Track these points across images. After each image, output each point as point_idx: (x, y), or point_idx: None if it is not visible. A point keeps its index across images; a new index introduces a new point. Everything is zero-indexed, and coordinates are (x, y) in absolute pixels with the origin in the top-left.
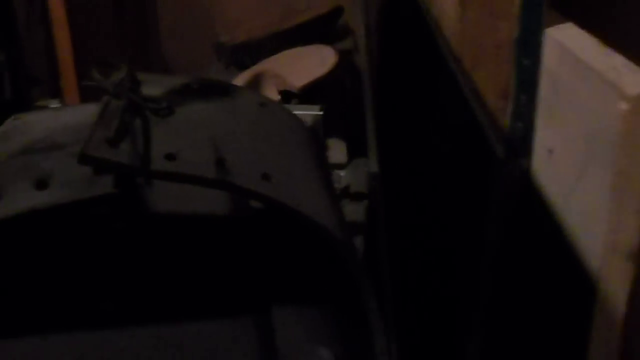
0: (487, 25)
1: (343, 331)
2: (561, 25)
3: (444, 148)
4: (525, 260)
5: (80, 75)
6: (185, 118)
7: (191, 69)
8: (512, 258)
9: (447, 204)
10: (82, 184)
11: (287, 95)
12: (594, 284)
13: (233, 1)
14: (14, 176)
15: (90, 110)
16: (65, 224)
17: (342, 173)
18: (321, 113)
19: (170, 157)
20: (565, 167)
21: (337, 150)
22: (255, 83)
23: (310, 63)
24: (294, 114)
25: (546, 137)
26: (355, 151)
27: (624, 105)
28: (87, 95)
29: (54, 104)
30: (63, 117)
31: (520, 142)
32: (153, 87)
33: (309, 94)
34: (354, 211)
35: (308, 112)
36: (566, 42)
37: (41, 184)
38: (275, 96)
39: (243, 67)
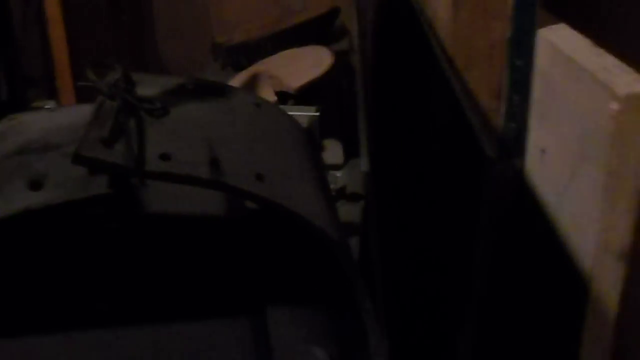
0: (480, 25)
1: (338, 331)
2: (554, 26)
3: (437, 148)
4: (518, 260)
5: (76, 75)
6: (179, 118)
7: (188, 69)
8: (505, 258)
9: (441, 204)
10: (77, 184)
11: (284, 96)
12: (587, 283)
13: (230, 2)
14: (8, 176)
15: (85, 111)
16: (59, 224)
17: (338, 174)
18: (317, 114)
19: (164, 157)
20: (557, 167)
21: (333, 151)
22: (252, 84)
23: (307, 64)
24: (289, 115)
25: (539, 137)
26: (352, 152)
27: (615, 106)
28: (82, 95)
29: (50, 104)
30: (58, 118)
31: (514, 142)
32: (148, 87)
33: (306, 94)
34: (349, 212)
35: (304, 113)
36: (558, 42)
37: (36, 185)
38: (271, 97)
39: (240, 67)
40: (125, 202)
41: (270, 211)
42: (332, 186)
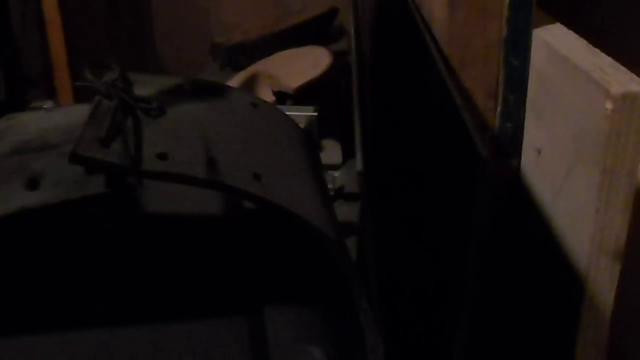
0: (476, 25)
1: (335, 331)
2: (549, 26)
3: (433, 148)
4: (514, 259)
5: (74, 76)
6: (177, 118)
7: (186, 69)
8: (500, 256)
9: (436, 203)
10: (74, 183)
11: (282, 96)
12: (582, 282)
13: (228, 2)
14: (5, 176)
15: (83, 111)
16: (56, 223)
17: (336, 174)
18: (315, 114)
19: (161, 157)
20: (553, 167)
21: (331, 151)
22: (250, 84)
23: (305, 64)
24: (287, 115)
25: (535, 137)
26: (350, 152)
27: (609, 105)
28: (81, 95)
29: (49, 104)
30: (55, 118)
31: (509, 142)
32: (145, 87)
33: (304, 94)
34: (347, 212)
35: (303, 113)
36: (554, 42)
37: (33, 184)
38: (270, 97)
39: (238, 68)
40: (122, 201)
41: (267, 211)
42: (330, 186)
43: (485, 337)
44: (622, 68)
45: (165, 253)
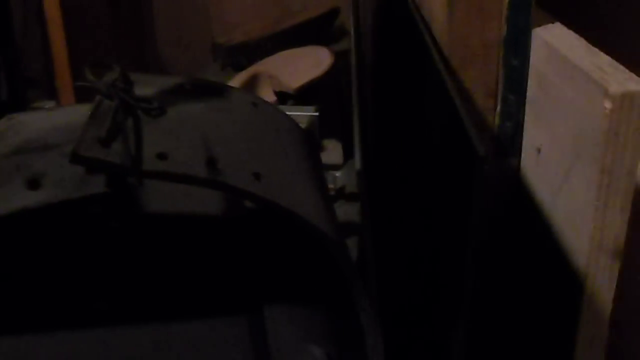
0: (476, 25)
1: (335, 330)
2: (549, 25)
3: (432, 147)
4: (513, 259)
5: (75, 76)
6: (177, 118)
7: (188, 69)
8: (500, 256)
9: (436, 203)
10: (74, 183)
11: (283, 96)
12: (581, 281)
13: (229, 2)
14: (7, 176)
15: (83, 111)
16: (57, 223)
17: (337, 174)
18: (317, 114)
19: (161, 156)
20: (553, 166)
21: (332, 151)
22: (251, 84)
23: (306, 64)
24: (287, 115)
25: (534, 136)
26: (351, 152)
27: (608, 104)
28: (82, 95)
29: (50, 105)
30: (56, 118)
31: (509, 142)
32: (146, 87)
33: (305, 94)
34: (349, 212)
35: (304, 113)
36: (553, 41)
37: (34, 184)
38: (271, 97)
39: (240, 68)
40: (123, 201)
41: (267, 210)
42: (331, 186)
43: (484, 337)
44: (622, 67)
45: (165, 252)
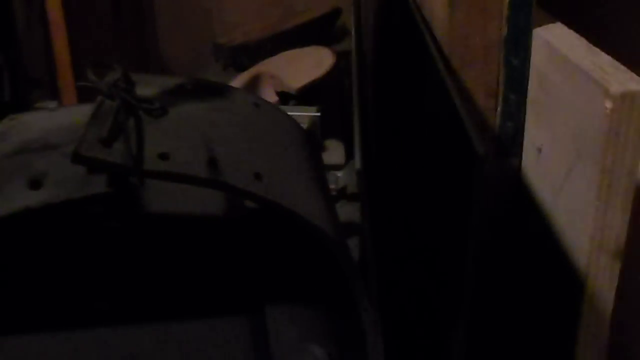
0: (476, 24)
1: (336, 330)
2: (549, 25)
3: (432, 147)
4: (514, 258)
5: (77, 76)
6: (178, 118)
7: (190, 70)
8: (501, 255)
9: (436, 202)
10: (76, 183)
11: (285, 96)
12: (582, 281)
13: (231, 3)
14: (8, 175)
15: (85, 111)
16: (59, 223)
17: (339, 174)
18: (319, 114)
19: (163, 156)
20: (553, 166)
21: (334, 151)
22: (253, 84)
23: (308, 64)
24: (289, 115)
25: (535, 136)
26: (353, 152)
27: (609, 104)
28: (84, 96)
29: (53, 105)
30: (58, 118)
31: (510, 141)
32: (147, 87)
33: (307, 95)
34: (350, 212)
35: (306, 113)
36: (554, 41)
37: (35, 184)
38: (273, 97)
39: (241, 68)
40: (124, 201)
41: (268, 210)
42: (333, 186)
43: (485, 336)
44: (622, 67)
45: (167, 252)
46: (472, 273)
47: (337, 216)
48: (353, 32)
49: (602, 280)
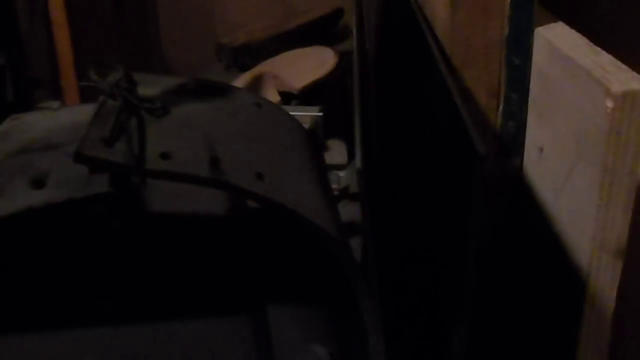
0: (478, 24)
1: (338, 330)
2: (551, 24)
3: (434, 147)
4: (516, 257)
5: (80, 76)
6: (180, 118)
7: (192, 70)
8: (503, 255)
9: (439, 201)
10: (78, 183)
11: (287, 96)
12: (584, 280)
13: (234, 3)
14: (11, 175)
15: (87, 111)
16: (61, 222)
17: (341, 174)
18: (321, 114)
19: (164, 156)
20: (555, 165)
21: (337, 151)
22: (256, 84)
23: (310, 64)
24: (291, 115)
25: (537, 136)
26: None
27: (610, 103)
28: (87, 96)
29: (55, 105)
30: (60, 117)
31: (512, 141)
32: (149, 87)
33: (309, 95)
34: (352, 211)
35: (308, 113)
36: (555, 40)
37: (38, 183)
38: (275, 97)
39: (244, 68)
40: (126, 200)
41: (270, 210)
42: (335, 186)
43: (486, 336)
44: (624, 66)
45: (169, 252)
46: (473, 272)
47: (339, 216)
48: (354, 32)
49: (604, 279)
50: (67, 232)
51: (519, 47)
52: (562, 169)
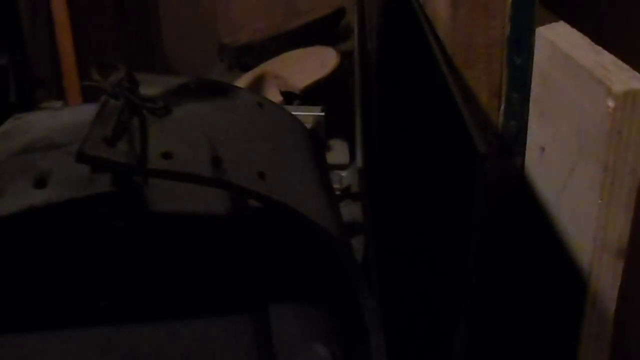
0: (479, 24)
1: (340, 329)
2: (552, 24)
3: (435, 146)
4: (518, 257)
5: (82, 76)
6: (182, 117)
7: (194, 70)
8: (505, 254)
9: (441, 201)
10: (80, 182)
11: (290, 96)
12: (585, 280)
13: (236, 3)
14: (13, 175)
15: (89, 110)
16: (63, 222)
17: (343, 173)
18: (323, 114)
19: (166, 155)
20: (556, 165)
21: (339, 151)
22: (258, 84)
23: (312, 64)
24: (292, 114)
25: (538, 135)
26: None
27: (611, 103)
28: (89, 96)
29: (58, 105)
30: (63, 117)
31: (514, 140)
32: (151, 87)
33: (311, 94)
34: (354, 211)
35: (310, 113)
36: (557, 40)
37: (40, 183)
38: (277, 97)
39: (246, 68)
40: (128, 200)
41: (272, 209)
42: (337, 186)
43: (488, 334)
44: (625, 66)
45: (171, 251)
46: (473, 272)
47: (340, 215)
48: (356, 31)
49: (605, 278)
50: (69, 232)
51: (521, 47)
52: (563, 168)
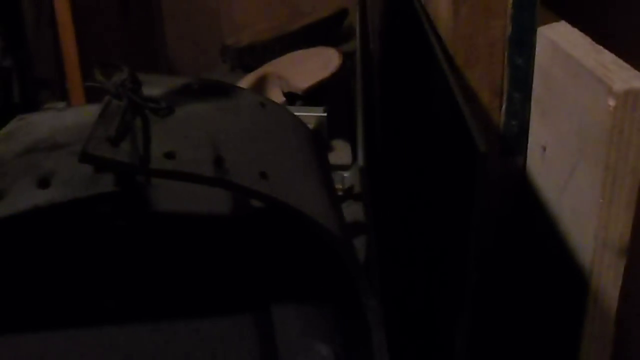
0: (480, 23)
1: (342, 329)
2: (554, 24)
3: (436, 146)
4: (519, 256)
5: (86, 77)
6: (185, 117)
7: (197, 70)
8: (506, 254)
9: (442, 201)
10: (84, 182)
11: (292, 97)
12: (586, 279)
13: (239, 4)
14: (17, 175)
15: (93, 111)
16: (67, 222)
17: (345, 174)
18: (325, 114)
19: (169, 155)
20: (558, 164)
21: (341, 152)
22: (260, 85)
23: (315, 65)
24: (295, 115)
25: (540, 135)
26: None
27: (612, 102)
28: (92, 96)
29: (61, 105)
30: (66, 117)
31: (515, 140)
32: (154, 87)
33: (314, 95)
34: (357, 211)
35: (312, 114)
36: (558, 40)
37: (43, 183)
38: (280, 98)
39: (248, 69)
40: (131, 199)
41: (274, 209)
42: (339, 186)
43: (489, 333)
44: (626, 65)
45: (173, 251)
46: (475, 271)
47: (342, 215)
48: (357, 32)
49: (607, 277)
50: (72, 231)
51: (522, 47)
52: (564, 167)
